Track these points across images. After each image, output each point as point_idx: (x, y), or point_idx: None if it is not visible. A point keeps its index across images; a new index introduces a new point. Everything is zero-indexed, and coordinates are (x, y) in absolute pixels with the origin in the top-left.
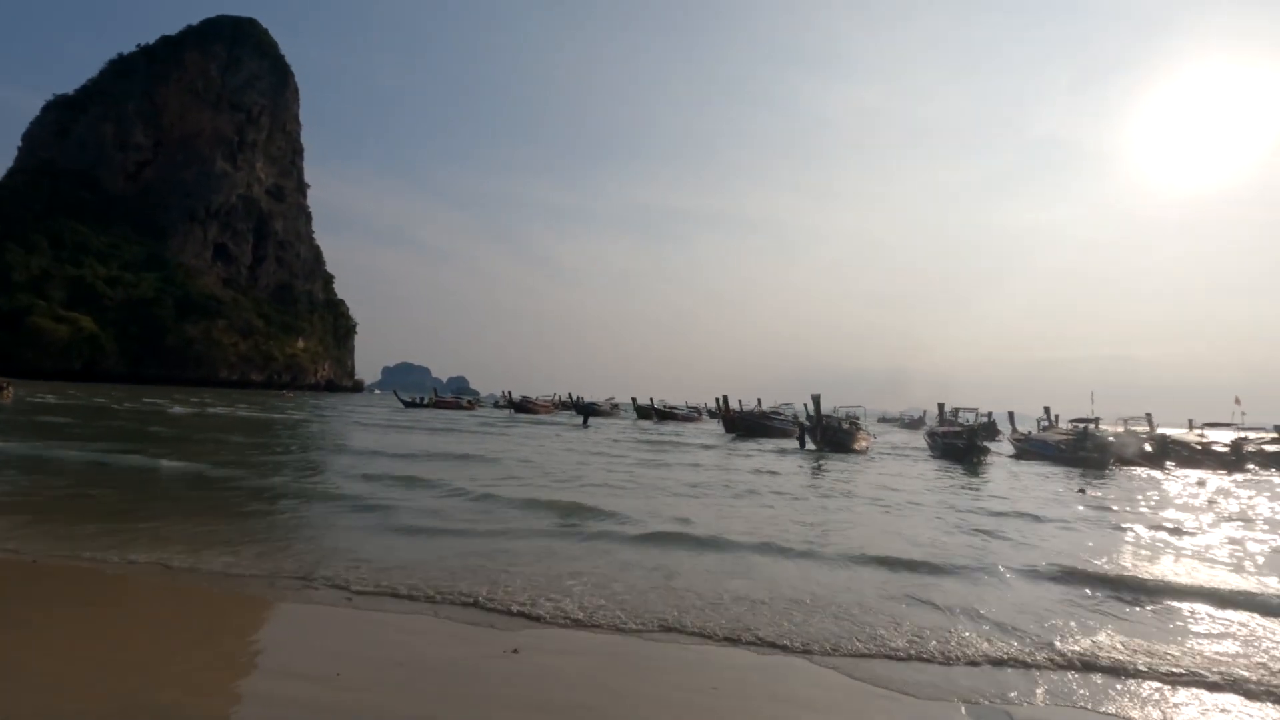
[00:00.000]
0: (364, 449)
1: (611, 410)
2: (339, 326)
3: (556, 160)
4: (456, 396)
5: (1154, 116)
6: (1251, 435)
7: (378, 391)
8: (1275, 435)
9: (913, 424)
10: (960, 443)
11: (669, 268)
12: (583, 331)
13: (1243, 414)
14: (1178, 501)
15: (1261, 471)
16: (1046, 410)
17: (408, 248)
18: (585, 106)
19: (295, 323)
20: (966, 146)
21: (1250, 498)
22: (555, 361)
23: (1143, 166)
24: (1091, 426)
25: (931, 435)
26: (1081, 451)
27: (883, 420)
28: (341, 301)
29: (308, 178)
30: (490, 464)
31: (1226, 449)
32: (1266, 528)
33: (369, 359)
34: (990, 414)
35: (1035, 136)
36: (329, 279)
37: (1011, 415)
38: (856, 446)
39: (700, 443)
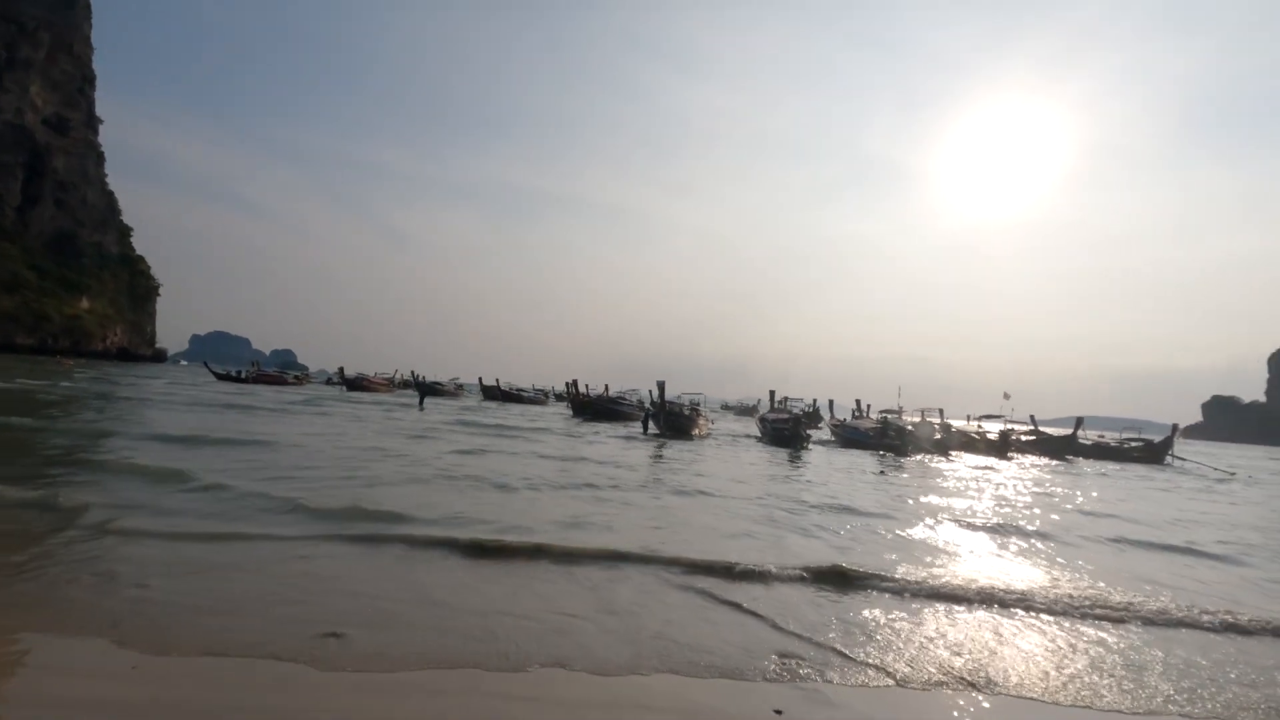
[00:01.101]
0: (141, 433)
1: (456, 390)
2: (137, 287)
3: (408, 128)
4: (281, 371)
5: (959, 148)
6: (1016, 427)
7: (184, 363)
8: (1031, 427)
9: (748, 411)
10: (787, 429)
11: (524, 248)
12: (430, 308)
13: (1012, 409)
14: (950, 482)
15: (1021, 456)
16: (858, 402)
17: (230, 205)
18: (444, 77)
19: (79, 279)
20: (805, 155)
21: (1002, 478)
22: (398, 338)
23: (946, 190)
24: (894, 417)
25: (763, 421)
26: (885, 438)
27: (725, 407)
28: (141, 258)
29: (102, 112)
30: (275, 450)
31: (995, 438)
32: (1018, 503)
33: (176, 326)
34: (815, 402)
35: (864, 153)
36: (126, 231)
37: (831, 404)
38: (696, 431)
39: (543, 426)
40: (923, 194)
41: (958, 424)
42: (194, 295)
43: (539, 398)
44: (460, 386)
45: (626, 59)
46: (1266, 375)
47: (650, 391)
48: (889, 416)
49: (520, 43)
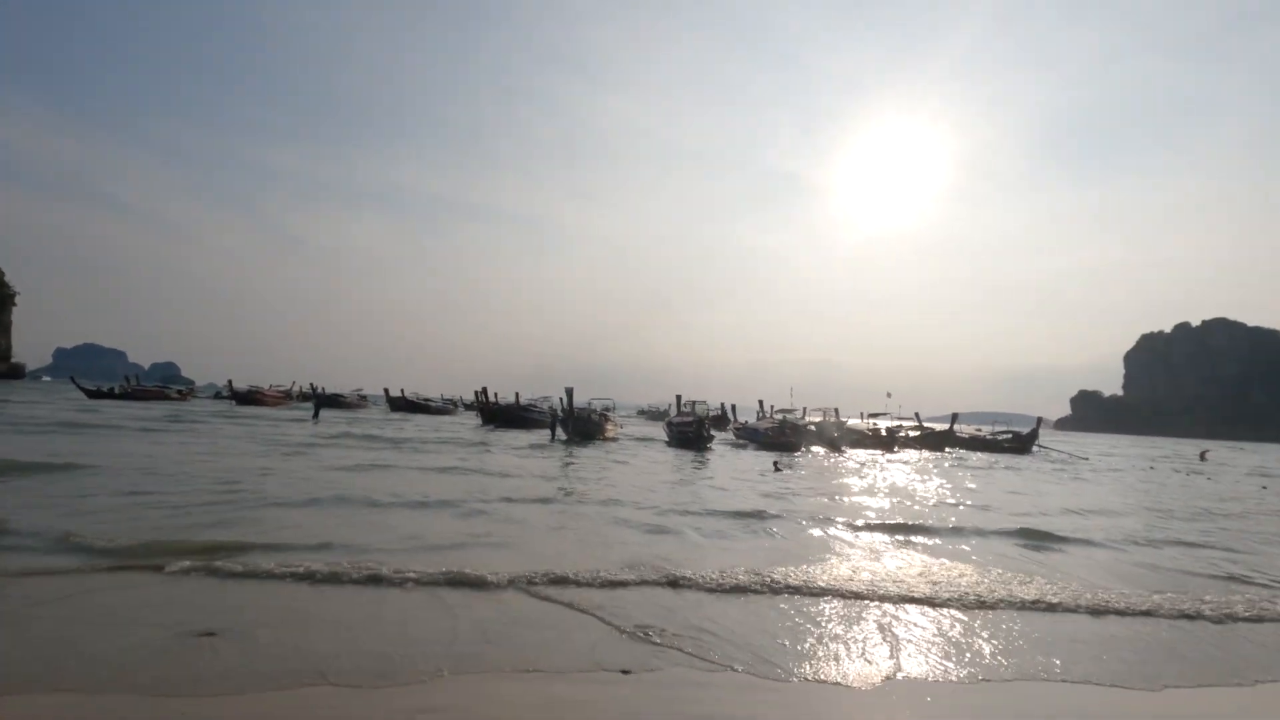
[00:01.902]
0: None
1: (359, 402)
2: None
3: (305, 130)
4: (163, 385)
5: (855, 164)
6: (903, 423)
7: (47, 379)
8: (915, 423)
9: (660, 415)
10: (690, 431)
11: (435, 256)
12: (333, 318)
13: (899, 406)
14: (837, 471)
15: (906, 450)
16: (760, 403)
17: (99, 205)
18: (340, 78)
19: None
20: (712, 169)
21: (887, 467)
22: (297, 350)
23: (845, 204)
24: (790, 416)
25: (669, 424)
26: (782, 437)
27: (641, 413)
28: None
29: None
30: (101, 475)
31: (884, 434)
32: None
33: (36, 338)
34: (722, 405)
35: (768, 167)
36: None
37: (733, 407)
38: (606, 435)
39: (448, 436)
40: (824, 207)
41: (852, 422)
42: (59, 304)
43: (447, 407)
44: (364, 398)
45: (539, 70)
46: (1123, 371)
47: (559, 398)
48: (785, 416)
49: (428, 50)
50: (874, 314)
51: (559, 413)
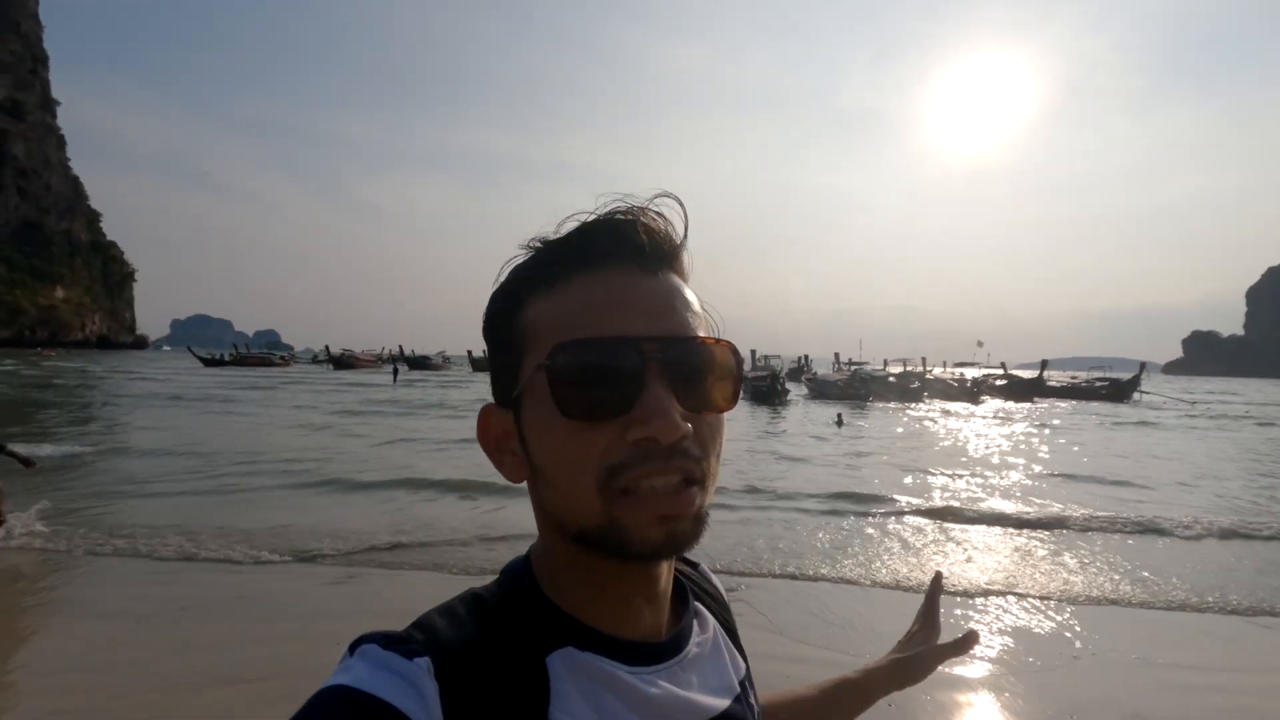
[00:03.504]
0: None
1: (443, 364)
2: (111, 273)
3: (373, 99)
4: (267, 352)
5: (939, 92)
6: (990, 372)
7: (167, 348)
8: (1003, 372)
9: None
10: (765, 386)
11: (501, 216)
12: (410, 282)
13: (988, 355)
14: (913, 429)
15: (990, 400)
16: (836, 356)
17: (197, 184)
18: (402, 47)
19: (50, 268)
20: (781, 112)
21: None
22: (384, 313)
23: (928, 138)
24: (864, 368)
25: (744, 379)
26: (852, 389)
27: None
28: (113, 244)
29: (58, 93)
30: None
31: (969, 384)
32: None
33: (155, 311)
34: (798, 358)
35: (840, 104)
36: (94, 217)
37: (807, 359)
38: None
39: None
40: (904, 143)
41: (936, 371)
42: (172, 279)
43: None
44: (447, 359)
45: (595, 19)
46: (1245, 309)
47: None
48: (857, 369)
49: (484, 7)
50: (961, 256)
51: None
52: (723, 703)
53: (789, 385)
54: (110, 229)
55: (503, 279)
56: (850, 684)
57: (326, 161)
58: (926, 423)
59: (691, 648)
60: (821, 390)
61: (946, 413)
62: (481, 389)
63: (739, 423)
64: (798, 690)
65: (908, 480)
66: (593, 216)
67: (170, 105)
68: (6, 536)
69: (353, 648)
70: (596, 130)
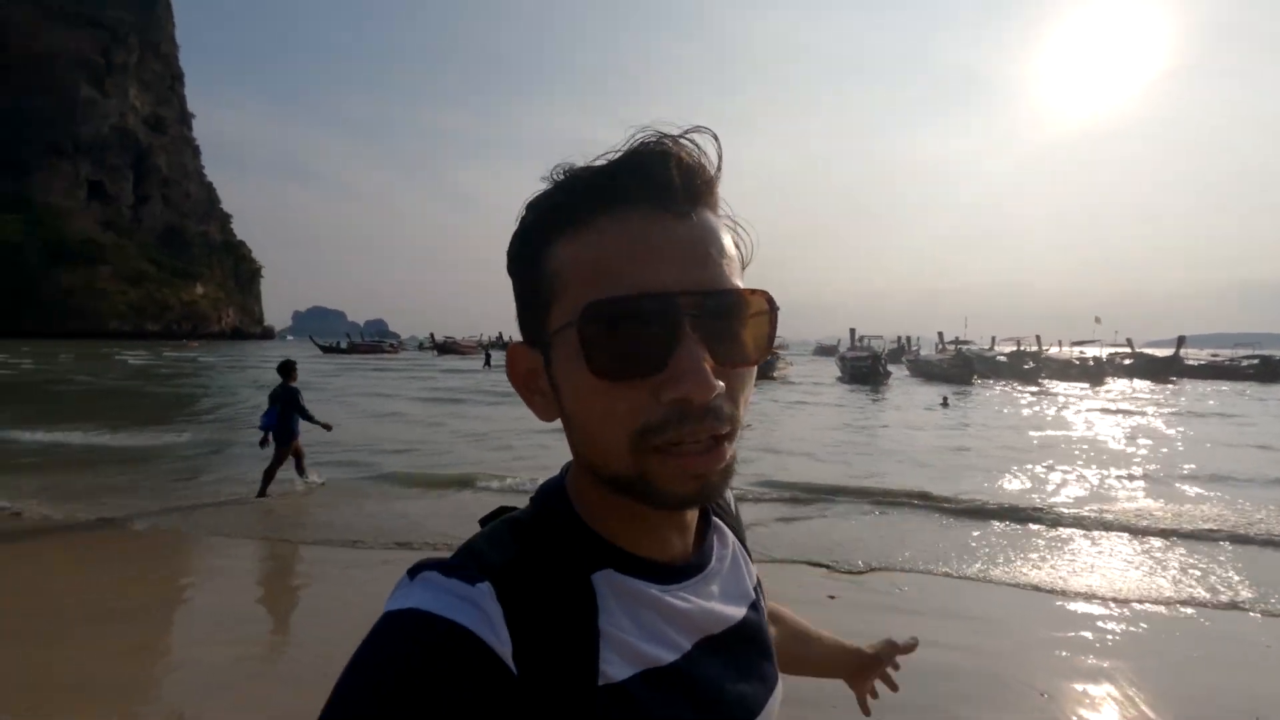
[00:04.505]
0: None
1: None
2: (242, 270)
3: (470, 92)
4: (378, 340)
5: (1054, 48)
6: (1111, 351)
7: (290, 338)
8: (1129, 350)
9: (828, 351)
10: (865, 366)
11: None
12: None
13: (1114, 332)
14: (1029, 414)
15: (1115, 381)
16: (940, 335)
17: (316, 183)
18: (497, 32)
19: (191, 267)
20: (879, 78)
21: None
22: (481, 300)
23: (1039, 100)
24: (969, 348)
25: (842, 359)
26: (955, 369)
27: (818, 352)
28: (242, 243)
29: (192, 107)
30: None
31: (1091, 364)
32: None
33: (278, 303)
34: (903, 338)
35: (942, 68)
36: (226, 219)
37: (907, 339)
38: (774, 374)
39: None
40: (1011, 106)
41: (1052, 351)
42: (292, 273)
43: None
44: None
45: None
46: None
47: None
48: (961, 348)
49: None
50: (1078, 226)
51: None
52: (740, 610)
53: (890, 367)
54: (239, 229)
55: (525, 216)
56: (815, 642)
57: (426, 155)
58: (1044, 406)
59: (714, 563)
60: (923, 371)
61: (1067, 395)
62: None
63: (835, 404)
64: (782, 611)
65: (1030, 473)
66: (621, 152)
67: (287, 112)
68: (307, 487)
69: (412, 573)
70: (685, 108)
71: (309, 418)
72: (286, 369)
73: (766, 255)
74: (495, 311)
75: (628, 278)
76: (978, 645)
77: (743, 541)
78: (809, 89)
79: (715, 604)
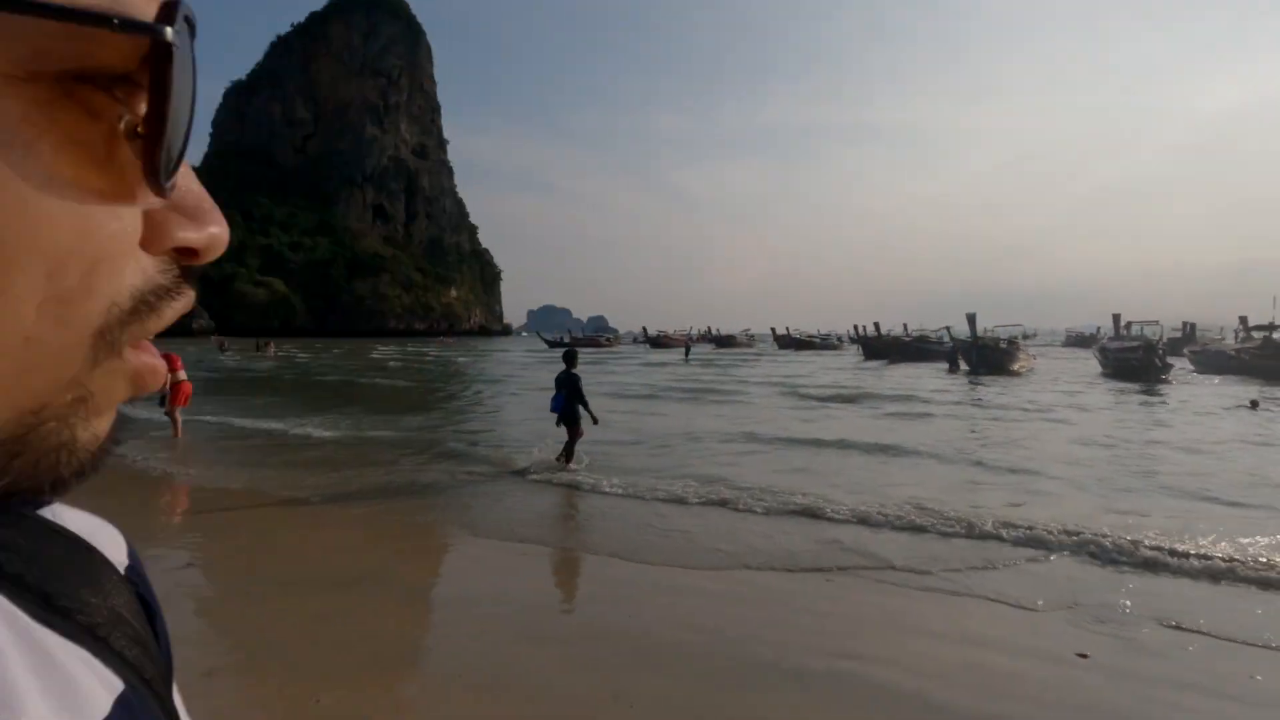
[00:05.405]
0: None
1: (748, 341)
2: (486, 274)
3: (678, 88)
4: (596, 334)
5: None
6: None
7: (524, 334)
8: None
9: (1081, 341)
10: (1135, 359)
11: (806, 188)
12: (717, 263)
13: None
14: None
15: None
16: (1243, 320)
17: (543, 192)
18: (699, 28)
19: (447, 274)
20: (1150, 16)
21: None
22: (692, 295)
23: None
24: (1272, 333)
25: (1104, 351)
26: (1261, 361)
27: (1069, 342)
28: (486, 251)
29: (447, 134)
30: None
31: None
32: None
33: (514, 303)
34: (1184, 325)
35: None
36: (473, 230)
37: (1192, 326)
38: (1015, 368)
39: (818, 376)
40: None
41: None
42: (526, 275)
43: (831, 343)
44: (752, 337)
45: None
46: None
47: (948, 328)
48: (1270, 334)
49: None
50: None
51: (948, 341)
52: None
53: (1171, 359)
54: (483, 238)
55: None
56: None
57: (644, 157)
58: None
59: None
60: (1214, 364)
61: None
62: (772, 366)
63: (1100, 408)
64: None
65: None
66: None
67: (522, 129)
68: (578, 466)
69: None
70: (909, 84)
71: (584, 405)
72: (570, 357)
73: (1012, 236)
74: (710, 304)
75: None
76: None
77: None
78: (1060, 46)
79: None
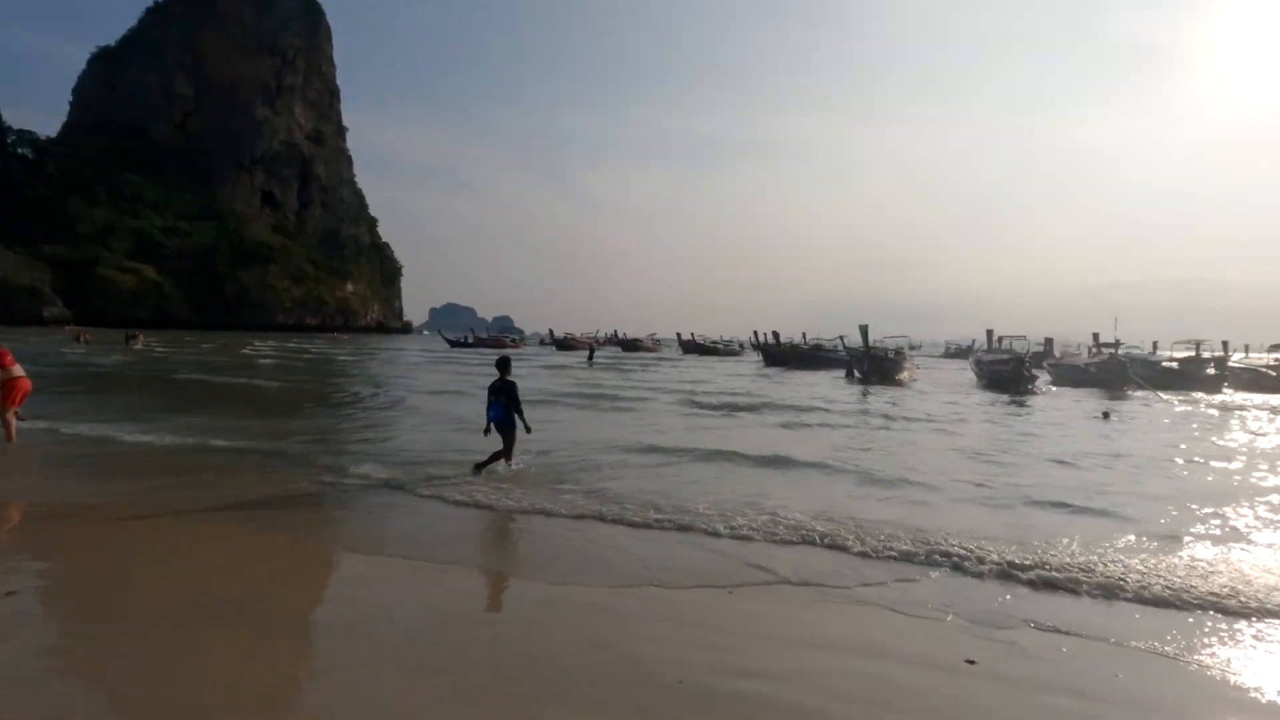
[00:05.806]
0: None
1: (654, 345)
2: (385, 269)
3: (585, 89)
4: (500, 335)
5: (1235, 10)
6: None
7: (426, 332)
8: None
9: (960, 353)
10: (1006, 371)
11: (713, 199)
12: (626, 268)
13: None
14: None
15: None
16: (1095, 337)
17: (447, 186)
18: (609, 29)
19: (343, 267)
20: (1033, 56)
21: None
22: (599, 298)
23: (1222, 73)
24: (1128, 350)
25: (979, 363)
26: (1106, 374)
27: (948, 354)
28: (386, 244)
29: (346, 121)
30: None
31: None
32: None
33: (416, 300)
34: (1049, 339)
35: (1109, 40)
36: (373, 222)
37: (1049, 341)
38: (900, 377)
39: (728, 385)
40: (1185, 83)
41: (1238, 357)
42: (428, 272)
43: (733, 349)
44: (658, 342)
45: None
46: None
47: (842, 339)
48: (1113, 352)
49: None
50: (1270, 212)
51: (842, 350)
52: None
53: (1035, 372)
54: (384, 232)
55: None
56: None
57: (553, 156)
58: (1233, 422)
59: None
60: (1068, 376)
61: (1257, 409)
62: (674, 371)
63: (979, 420)
64: None
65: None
66: None
67: (428, 116)
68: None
69: None
70: (812, 100)
71: (519, 413)
72: (504, 364)
73: (903, 250)
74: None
75: None
76: None
77: None
78: (954, 75)
79: None
